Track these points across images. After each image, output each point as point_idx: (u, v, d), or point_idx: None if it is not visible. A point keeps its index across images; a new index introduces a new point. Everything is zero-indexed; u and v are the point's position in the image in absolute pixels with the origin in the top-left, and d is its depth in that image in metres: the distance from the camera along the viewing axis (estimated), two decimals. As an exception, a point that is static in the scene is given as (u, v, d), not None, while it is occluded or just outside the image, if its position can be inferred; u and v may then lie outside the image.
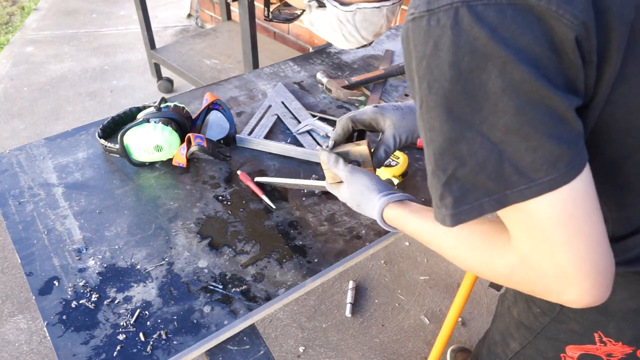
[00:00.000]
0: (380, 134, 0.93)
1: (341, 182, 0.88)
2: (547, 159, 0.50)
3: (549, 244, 0.53)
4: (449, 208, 0.57)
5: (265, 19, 0.80)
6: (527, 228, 0.54)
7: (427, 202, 1.08)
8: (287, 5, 0.75)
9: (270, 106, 1.34)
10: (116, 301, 0.87)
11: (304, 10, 0.76)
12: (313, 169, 1.16)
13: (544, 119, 0.49)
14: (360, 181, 0.84)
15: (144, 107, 1.21)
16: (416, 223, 0.74)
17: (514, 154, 0.51)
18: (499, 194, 0.53)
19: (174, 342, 0.81)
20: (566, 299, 0.56)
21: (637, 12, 0.51)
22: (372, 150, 0.91)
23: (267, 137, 1.24)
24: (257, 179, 1.10)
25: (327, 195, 1.08)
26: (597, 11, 0.49)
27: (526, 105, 0.49)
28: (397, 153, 1.12)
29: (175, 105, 1.16)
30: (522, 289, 0.60)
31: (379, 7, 0.72)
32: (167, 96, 1.47)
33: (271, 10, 0.75)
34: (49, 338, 0.82)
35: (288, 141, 1.24)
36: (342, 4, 0.71)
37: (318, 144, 1.22)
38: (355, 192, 0.85)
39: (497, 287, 1.10)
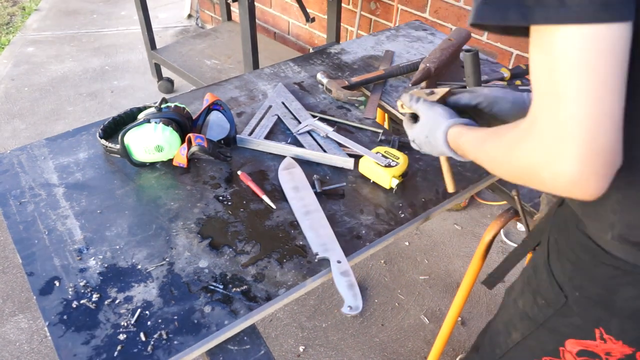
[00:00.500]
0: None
1: (416, 122, 0.96)
2: None
3: (561, 98, 0.51)
4: (477, 2, 0.56)
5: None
6: (546, 71, 0.53)
7: (427, 202, 1.08)
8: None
9: (270, 106, 1.35)
10: (117, 301, 0.87)
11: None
12: (313, 169, 1.16)
13: None
14: (436, 111, 0.91)
15: (145, 108, 1.22)
16: (470, 136, 0.79)
17: None
18: (528, 8, 0.51)
19: (175, 342, 0.82)
20: (557, 169, 0.53)
21: None
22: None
23: (267, 137, 1.24)
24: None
25: (327, 196, 1.09)
26: None
27: None
28: (397, 153, 1.12)
29: (175, 106, 1.16)
30: (522, 163, 0.59)
31: None
32: (167, 96, 1.48)
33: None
34: (49, 338, 0.82)
35: (288, 141, 1.24)
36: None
37: (319, 144, 1.22)
38: (428, 121, 0.91)
39: (490, 283, 1.11)
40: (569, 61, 0.51)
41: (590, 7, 0.48)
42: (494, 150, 0.68)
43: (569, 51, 0.50)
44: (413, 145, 0.98)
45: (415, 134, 0.95)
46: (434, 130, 0.89)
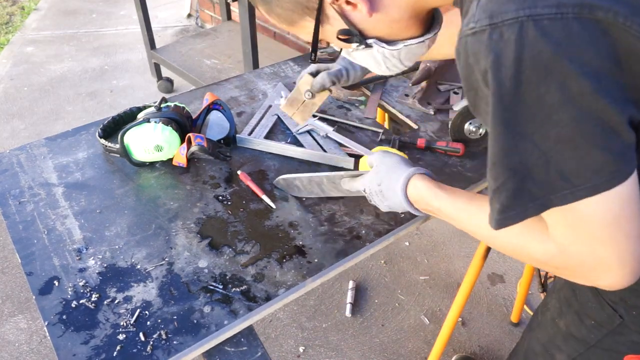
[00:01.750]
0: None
1: (360, 175, 0.92)
2: (591, 166, 0.52)
3: (591, 240, 0.56)
4: (495, 212, 0.60)
5: (311, 61, 0.84)
6: (568, 224, 0.57)
7: (427, 202, 1.08)
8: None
9: (270, 106, 1.34)
10: (116, 301, 0.87)
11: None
12: (313, 169, 1.16)
13: (596, 131, 0.51)
14: (392, 158, 0.86)
15: (144, 107, 1.21)
16: (447, 200, 0.76)
17: (561, 161, 0.53)
18: (543, 198, 0.56)
19: (174, 342, 0.81)
20: (603, 283, 0.59)
21: None
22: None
23: (267, 137, 1.24)
24: (281, 177, 1.08)
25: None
26: None
27: (580, 117, 0.50)
28: (397, 153, 1.12)
29: (175, 105, 1.16)
30: (558, 273, 0.63)
31: (423, 41, 0.75)
32: (167, 96, 1.47)
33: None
34: (49, 338, 0.82)
35: (288, 141, 1.24)
36: (389, 43, 0.73)
37: (319, 144, 1.22)
38: (382, 169, 0.86)
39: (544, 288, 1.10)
40: (596, 218, 0.55)
41: (599, 182, 0.53)
42: (506, 244, 0.68)
43: (592, 212, 0.55)
44: (364, 194, 0.92)
45: (367, 182, 0.88)
46: (390, 180, 0.84)
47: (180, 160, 1.13)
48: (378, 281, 2.08)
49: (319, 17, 0.68)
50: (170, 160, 1.14)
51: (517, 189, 0.56)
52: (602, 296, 0.80)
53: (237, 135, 1.22)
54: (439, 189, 0.77)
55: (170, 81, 3.18)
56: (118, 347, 0.80)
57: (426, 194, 0.78)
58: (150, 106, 1.18)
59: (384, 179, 0.84)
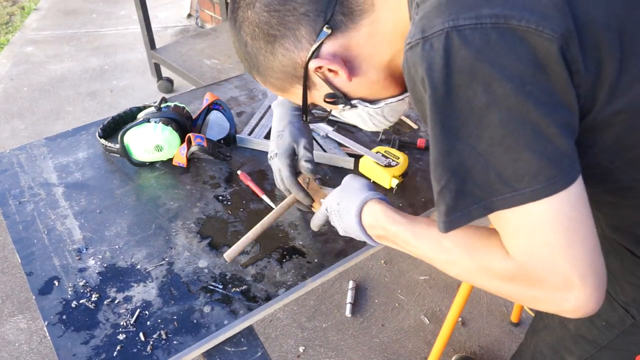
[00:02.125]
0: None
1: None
2: (528, 171, 0.53)
3: (547, 248, 0.55)
4: (442, 215, 0.61)
5: (303, 122, 0.89)
6: (522, 233, 0.57)
7: (427, 202, 1.08)
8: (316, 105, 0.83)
9: (270, 106, 1.34)
10: (116, 301, 0.87)
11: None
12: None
13: (525, 133, 0.53)
14: (354, 181, 0.86)
15: (144, 107, 1.21)
16: (405, 225, 0.75)
17: (498, 164, 0.54)
18: (486, 201, 0.57)
19: (174, 342, 0.81)
20: (568, 307, 0.57)
21: (622, 19, 0.54)
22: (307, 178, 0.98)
23: (267, 137, 1.24)
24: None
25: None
26: (578, 22, 0.52)
27: (508, 119, 0.53)
28: (397, 153, 1.12)
29: (175, 105, 1.16)
30: (522, 297, 0.61)
31: (402, 98, 0.80)
32: (167, 96, 1.47)
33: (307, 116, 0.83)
34: (49, 338, 0.82)
35: (288, 141, 1.23)
36: (372, 102, 0.78)
37: (319, 144, 1.22)
38: (343, 189, 0.86)
39: None
40: (547, 223, 0.55)
41: (538, 187, 0.53)
42: (466, 264, 0.66)
43: (541, 217, 0.55)
44: (327, 216, 0.91)
45: (328, 199, 0.89)
46: (348, 198, 0.83)
47: (180, 160, 1.13)
48: (378, 281, 2.08)
49: (306, 84, 0.74)
50: (170, 160, 1.14)
51: (460, 190, 0.58)
52: (613, 297, 0.80)
53: (237, 135, 1.22)
54: (396, 214, 0.77)
55: (170, 81, 3.18)
56: (118, 347, 0.80)
57: (382, 218, 0.78)
58: (150, 106, 1.18)
59: (344, 198, 0.84)
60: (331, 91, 0.75)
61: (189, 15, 4.05)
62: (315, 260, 0.95)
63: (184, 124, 1.14)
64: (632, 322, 0.79)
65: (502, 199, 0.55)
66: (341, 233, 0.87)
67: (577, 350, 0.89)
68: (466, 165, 0.56)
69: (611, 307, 0.80)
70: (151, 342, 0.81)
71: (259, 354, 0.84)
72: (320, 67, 0.70)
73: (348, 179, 0.88)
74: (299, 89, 0.76)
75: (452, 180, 0.58)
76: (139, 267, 0.93)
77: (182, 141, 1.13)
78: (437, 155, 0.58)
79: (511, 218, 0.56)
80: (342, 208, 0.84)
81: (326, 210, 0.89)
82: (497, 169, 0.55)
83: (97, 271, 0.92)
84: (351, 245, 0.98)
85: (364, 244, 0.99)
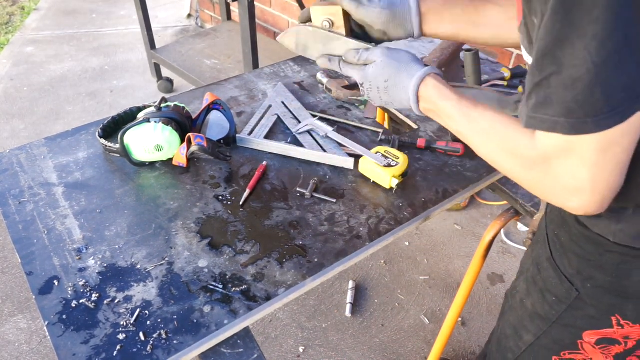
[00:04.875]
0: None
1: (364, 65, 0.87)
2: (636, 89, 0.52)
3: (577, 159, 0.57)
4: (529, 108, 0.60)
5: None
6: (567, 149, 0.58)
7: (427, 202, 1.08)
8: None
9: (270, 106, 1.34)
10: (116, 301, 0.87)
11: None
12: (313, 169, 1.16)
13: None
14: (403, 56, 0.84)
15: (144, 107, 1.22)
16: (453, 101, 0.77)
17: (609, 81, 0.52)
18: (578, 120, 0.55)
19: (174, 342, 0.81)
20: (570, 205, 0.61)
21: None
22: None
23: (267, 137, 1.24)
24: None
25: (328, 195, 1.08)
26: None
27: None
28: (397, 153, 1.12)
29: (175, 105, 1.16)
30: (533, 186, 0.66)
31: None
32: (167, 96, 1.45)
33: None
34: (49, 338, 0.82)
35: (288, 141, 1.24)
36: None
37: (318, 144, 1.22)
38: (391, 64, 0.83)
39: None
40: (597, 142, 0.56)
41: (606, 116, 0.54)
42: (495, 148, 0.70)
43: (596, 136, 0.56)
44: (361, 90, 0.89)
45: (370, 76, 0.85)
46: (400, 76, 0.82)
47: (180, 160, 1.13)
48: (378, 281, 2.08)
49: None
50: (170, 160, 1.14)
51: (556, 95, 0.56)
52: (560, 269, 0.80)
53: (237, 135, 1.22)
54: (447, 89, 0.78)
55: (170, 81, 3.18)
56: (118, 347, 0.80)
57: (434, 94, 0.79)
58: (150, 106, 1.18)
59: (393, 75, 0.82)
60: None
61: (189, 16, 4.05)
62: (315, 260, 0.95)
63: (184, 124, 1.15)
64: (577, 295, 0.79)
65: (596, 120, 0.54)
66: (378, 104, 0.88)
67: (533, 327, 0.90)
68: (575, 70, 0.53)
69: (559, 281, 0.81)
70: (151, 342, 0.81)
71: (255, 355, 0.84)
72: None
73: (390, 52, 0.84)
74: None
75: (554, 77, 0.55)
76: (139, 266, 0.93)
77: (182, 141, 1.13)
78: (550, 43, 0.55)
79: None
80: (393, 84, 0.83)
81: (362, 85, 0.87)
82: (605, 87, 0.53)
83: (97, 271, 0.92)
84: (351, 245, 0.98)
85: (363, 244, 0.99)
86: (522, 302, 0.92)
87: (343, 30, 0.93)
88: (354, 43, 0.90)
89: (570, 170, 0.58)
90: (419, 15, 0.91)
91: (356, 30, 0.95)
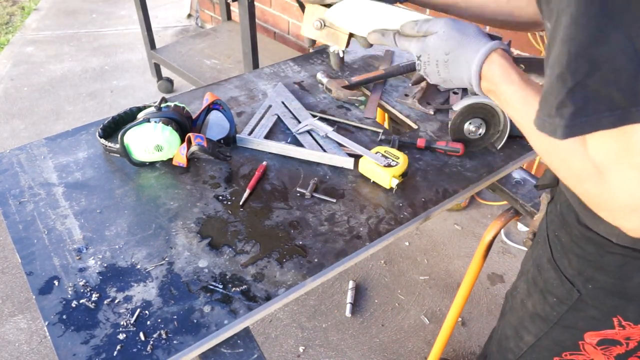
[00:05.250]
0: None
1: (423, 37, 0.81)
2: None
3: (636, 170, 0.52)
4: (564, 118, 0.54)
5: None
6: (620, 149, 0.53)
7: (427, 202, 1.08)
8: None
9: (270, 106, 1.34)
10: (116, 301, 0.87)
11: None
12: (313, 169, 1.16)
13: None
14: (468, 27, 0.77)
15: (144, 107, 1.22)
16: (517, 86, 0.69)
17: None
18: (624, 110, 0.50)
19: (174, 342, 0.81)
20: (624, 225, 0.57)
21: None
22: None
23: (267, 137, 1.24)
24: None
25: (328, 195, 1.08)
26: None
27: None
28: (397, 153, 1.12)
29: (175, 105, 1.16)
30: (586, 197, 0.61)
31: None
32: (167, 96, 1.45)
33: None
34: (49, 338, 0.82)
35: (288, 141, 1.24)
36: None
37: (318, 144, 1.22)
38: (454, 36, 0.75)
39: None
40: None
41: None
42: (553, 155, 0.63)
43: None
44: (417, 63, 0.82)
45: (430, 47, 0.78)
46: (464, 50, 0.74)
47: (180, 160, 1.13)
48: (378, 281, 2.08)
49: None
50: (170, 160, 1.15)
51: (597, 92, 0.51)
52: (561, 270, 0.80)
53: (237, 135, 1.22)
54: (513, 71, 0.71)
55: (170, 81, 3.18)
56: (118, 347, 0.80)
57: (498, 75, 0.71)
58: (150, 106, 1.18)
59: (456, 47, 0.74)
60: None
61: (189, 16, 4.05)
62: (315, 260, 0.95)
63: (184, 124, 1.15)
64: (578, 296, 0.78)
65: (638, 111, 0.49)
66: (434, 81, 0.80)
67: (534, 328, 0.89)
68: (615, 62, 0.49)
69: (560, 282, 0.80)
70: (151, 342, 0.81)
71: (255, 355, 0.84)
72: None
73: (454, 23, 0.77)
74: None
75: (591, 77, 0.51)
76: (139, 266, 0.93)
77: (182, 141, 1.13)
78: (582, 42, 0.50)
79: (619, 132, 0.52)
80: (454, 58, 0.75)
81: (419, 59, 0.80)
82: None
83: (97, 271, 0.92)
84: (351, 245, 0.98)
85: (363, 244, 0.99)
86: (523, 303, 0.92)
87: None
88: (412, 14, 0.82)
89: (627, 184, 0.53)
90: None
91: None
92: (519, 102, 0.69)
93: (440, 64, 0.78)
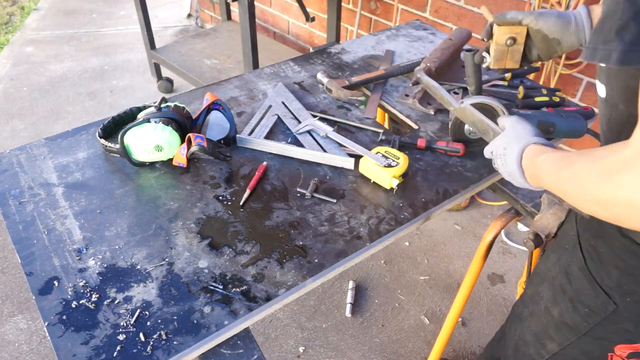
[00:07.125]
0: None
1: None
2: None
3: None
4: (625, 42, 0.51)
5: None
6: None
7: (427, 202, 1.08)
8: None
9: (270, 106, 1.34)
10: (116, 301, 0.87)
11: None
12: (313, 170, 1.16)
13: None
14: (523, 125, 0.85)
15: (144, 107, 1.21)
16: (552, 155, 0.72)
17: None
18: None
19: (174, 343, 0.81)
20: None
21: None
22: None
23: (267, 137, 1.24)
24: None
25: (328, 195, 1.08)
26: None
27: None
28: (397, 153, 1.12)
29: (175, 105, 1.16)
30: (619, 192, 0.56)
31: None
32: (167, 96, 1.45)
33: None
34: (49, 338, 0.81)
35: (288, 141, 1.23)
36: None
37: (319, 144, 1.22)
38: (512, 133, 0.85)
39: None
40: None
41: None
42: (583, 172, 0.61)
43: None
44: (488, 155, 0.93)
45: (495, 144, 0.90)
46: (512, 143, 0.83)
47: (180, 160, 1.12)
48: (378, 281, 2.08)
49: None
50: (170, 160, 1.14)
51: None
52: (597, 282, 0.78)
53: (237, 135, 1.21)
54: (548, 149, 0.76)
55: (170, 81, 3.18)
56: (118, 348, 0.80)
57: (531, 154, 0.77)
58: (150, 106, 1.18)
59: (509, 143, 0.83)
60: None
61: (189, 15, 4.05)
62: (315, 260, 0.95)
63: (184, 124, 1.14)
64: (614, 309, 0.77)
65: None
66: (505, 177, 0.87)
67: (558, 337, 0.88)
68: None
69: (594, 293, 0.79)
70: (151, 343, 0.81)
71: (255, 356, 0.84)
72: None
73: (513, 122, 0.86)
74: None
75: None
76: (139, 267, 0.93)
77: (182, 141, 1.12)
78: None
79: None
80: (507, 154, 0.83)
81: (491, 153, 0.89)
82: None
83: (97, 271, 0.92)
84: (351, 245, 0.98)
85: (363, 244, 0.99)
86: (548, 310, 0.91)
87: (521, 48, 1.02)
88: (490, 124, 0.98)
89: None
90: (591, 22, 0.92)
91: (526, 53, 1.02)
92: (555, 161, 0.70)
93: (501, 158, 0.85)
